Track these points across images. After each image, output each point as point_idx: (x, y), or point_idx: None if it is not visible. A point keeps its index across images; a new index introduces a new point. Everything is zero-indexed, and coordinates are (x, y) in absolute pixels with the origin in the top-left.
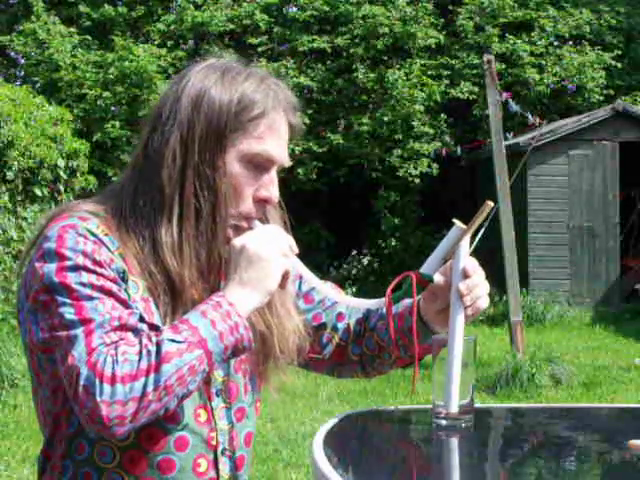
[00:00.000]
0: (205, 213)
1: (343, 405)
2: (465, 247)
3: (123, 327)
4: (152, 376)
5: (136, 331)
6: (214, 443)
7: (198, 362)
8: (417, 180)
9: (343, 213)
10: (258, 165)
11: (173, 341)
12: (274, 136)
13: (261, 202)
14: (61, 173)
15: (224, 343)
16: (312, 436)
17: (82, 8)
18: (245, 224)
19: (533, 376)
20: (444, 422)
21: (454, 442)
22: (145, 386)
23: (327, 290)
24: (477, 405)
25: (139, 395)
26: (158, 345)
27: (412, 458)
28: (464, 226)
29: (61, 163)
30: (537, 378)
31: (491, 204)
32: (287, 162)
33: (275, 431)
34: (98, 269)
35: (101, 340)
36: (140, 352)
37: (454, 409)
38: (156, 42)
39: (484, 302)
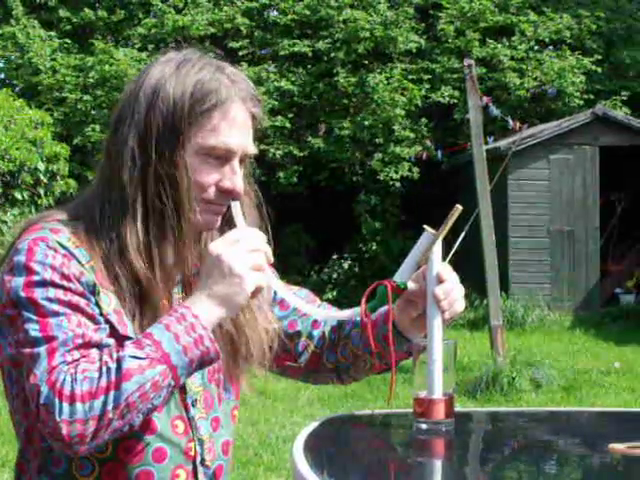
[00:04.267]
0: (169, 211)
1: (323, 409)
2: (437, 252)
3: (87, 345)
4: (112, 394)
5: (100, 347)
6: (192, 453)
7: (162, 377)
8: (398, 184)
9: (324, 217)
10: (218, 157)
11: (134, 357)
12: (230, 125)
13: (225, 193)
14: (41, 177)
15: (189, 357)
16: (292, 440)
17: (62, 12)
18: (215, 207)
19: (513, 380)
20: (424, 426)
21: (434, 446)
22: (105, 404)
23: (299, 303)
24: (458, 409)
25: (99, 413)
26: (118, 362)
27: (392, 462)
28: (435, 231)
29: (41, 167)
30: (517, 382)
31: (459, 207)
32: (250, 150)
33: (255, 435)
34: (66, 283)
35: (62, 359)
36: (100, 369)
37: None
38: (137, 46)
39: (460, 306)
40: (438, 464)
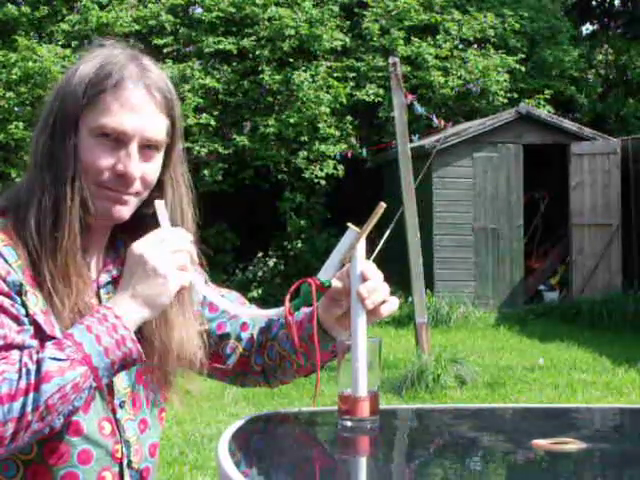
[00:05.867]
0: (63, 194)
1: (249, 407)
2: (361, 250)
3: (8, 346)
4: (31, 396)
5: (22, 349)
6: (119, 456)
7: (82, 379)
8: (323, 182)
9: (249, 215)
10: (114, 139)
11: (55, 359)
12: (123, 108)
13: (119, 177)
14: None
15: (110, 358)
16: (218, 438)
17: None
18: (110, 193)
19: (438, 377)
20: (349, 423)
21: (359, 443)
22: (24, 406)
23: (225, 304)
24: (383, 406)
25: (18, 415)
26: (38, 364)
27: (318, 460)
28: (358, 229)
29: None
30: (442, 379)
31: (383, 205)
32: (148, 133)
33: (181, 434)
34: None
35: None
36: (20, 371)
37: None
38: (60, 42)
39: (388, 307)
40: (363, 461)
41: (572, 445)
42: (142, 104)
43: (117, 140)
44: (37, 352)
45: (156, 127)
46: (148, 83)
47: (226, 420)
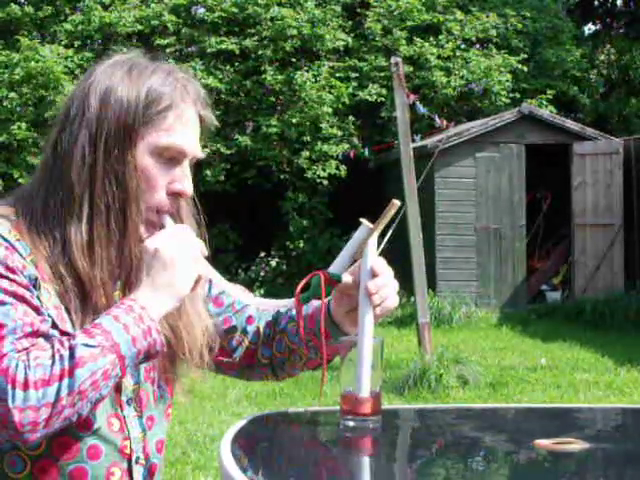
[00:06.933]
0: (116, 209)
1: (251, 407)
2: (373, 246)
3: (35, 333)
4: (66, 381)
5: (48, 337)
6: (128, 452)
7: (111, 367)
8: (325, 182)
9: (251, 215)
10: (170, 158)
11: (87, 345)
12: (184, 128)
13: (175, 195)
14: None
15: (137, 347)
16: (220, 438)
17: None
18: (156, 218)
19: (441, 377)
20: (351, 423)
21: (361, 443)
22: (59, 391)
23: (237, 292)
24: (385, 406)
25: (52, 400)
26: (71, 349)
27: (320, 459)
28: (371, 225)
29: None
30: (445, 379)
31: (397, 203)
32: (199, 153)
33: (183, 434)
34: (11, 275)
35: (12, 346)
36: (53, 356)
37: (365, 393)
38: (63, 42)
39: (393, 301)
40: (365, 461)
41: (574, 445)
42: (195, 124)
43: (171, 158)
44: (67, 339)
45: (199, 143)
46: (195, 100)
47: (228, 420)
